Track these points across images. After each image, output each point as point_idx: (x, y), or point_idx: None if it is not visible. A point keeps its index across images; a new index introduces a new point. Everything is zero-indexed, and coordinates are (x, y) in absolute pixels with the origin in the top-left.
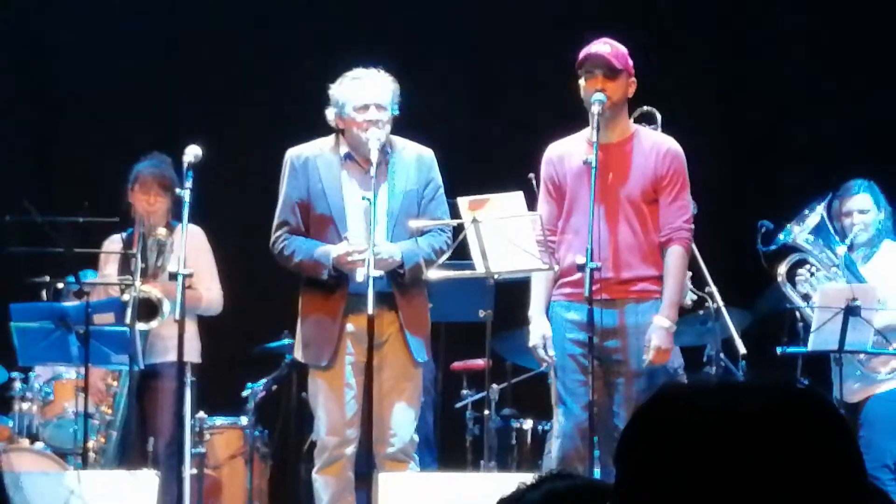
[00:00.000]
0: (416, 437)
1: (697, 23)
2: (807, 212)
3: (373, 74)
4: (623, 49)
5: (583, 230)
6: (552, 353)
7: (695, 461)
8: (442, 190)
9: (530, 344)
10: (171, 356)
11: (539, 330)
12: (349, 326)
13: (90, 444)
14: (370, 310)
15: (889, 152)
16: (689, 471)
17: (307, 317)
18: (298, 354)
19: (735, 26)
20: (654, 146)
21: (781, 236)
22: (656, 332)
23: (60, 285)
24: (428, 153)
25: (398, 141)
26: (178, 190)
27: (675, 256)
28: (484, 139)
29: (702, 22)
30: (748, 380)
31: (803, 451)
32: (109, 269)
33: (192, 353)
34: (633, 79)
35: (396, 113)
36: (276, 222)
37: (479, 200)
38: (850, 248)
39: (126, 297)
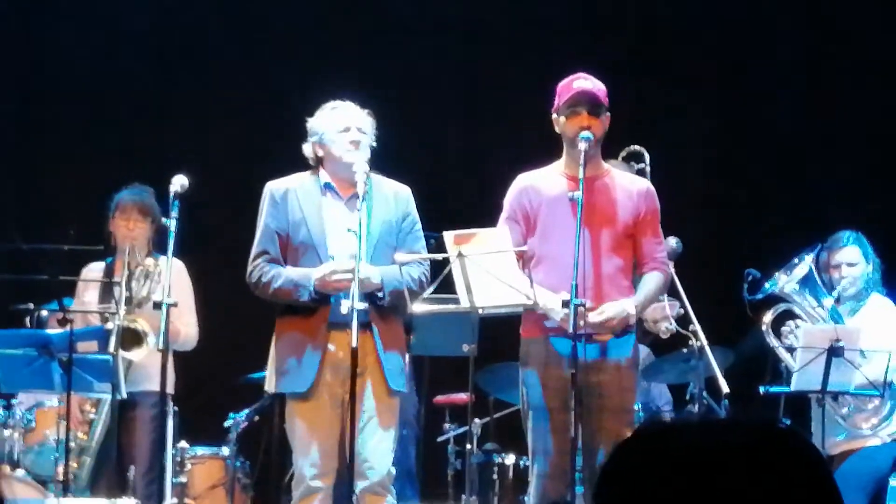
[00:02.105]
0: (394, 471)
1: (686, 61)
2: (795, 261)
3: (350, 104)
4: (601, 84)
5: (559, 260)
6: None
7: (674, 497)
8: (419, 226)
9: (550, 306)
10: (147, 385)
11: (551, 298)
12: (329, 357)
13: (62, 469)
14: (354, 342)
15: (878, 201)
16: None
17: (284, 345)
18: (271, 385)
19: (726, 66)
20: (633, 184)
21: (768, 285)
22: (616, 306)
23: (45, 313)
24: (405, 190)
25: (374, 176)
26: (163, 220)
27: (653, 277)
28: (470, 173)
29: (691, 60)
30: (728, 417)
31: (782, 490)
32: (88, 296)
33: (168, 384)
34: (608, 114)
35: (374, 145)
36: (254, 252)
37: (464, 235)
38: (838, 300)
39: (110, 325)
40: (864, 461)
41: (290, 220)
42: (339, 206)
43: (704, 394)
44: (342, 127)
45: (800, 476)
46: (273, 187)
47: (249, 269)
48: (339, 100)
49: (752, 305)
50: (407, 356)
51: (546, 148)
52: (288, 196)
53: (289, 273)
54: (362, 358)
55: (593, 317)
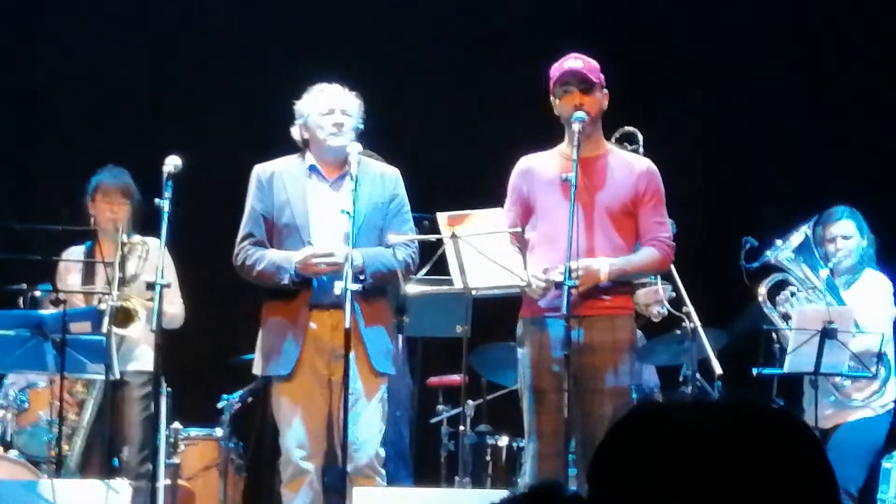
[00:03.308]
0: (382, 452)
1: (676, 39)
2: (792, 232)
3: (337, 87)
4: (594, 62)
5: (557, 241)
6: (552, 276)
7: (668, 479)
8: (407, 207)
9: (532, 282)
10: (137, 364)
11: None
12: (312, 339)
13: (53, 450)
14: (347, 323)
15: (873, 180)
16: (662, 488)
17: (269, 328)
18: (258, 369)
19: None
20: (632, 163)
21: (768, 253)
22: (586, 260)
23: (38, 293)
24: (392, 171)
25: (364, 158)
26: (156, 200)
27: (646, 250)
28: (464, 154)
29: (681, 38)
30: (722, 399)
31: (776, 470)
32: (72, 279)
33: (149, 363)
34: (606, 91)
35: (360, 127)
36: (240, 235)
37: (458, 216)
38: (833, 273)
39: (103, 305)
40: (858, 433)
41: (275, 203)
42: (324, 188)
43: (698, 376)
44: (326, 109)
45: (794, 457)
46: (259, 170)
47: (235, 251)
48: (327, 82)
49: (748, 274)
50: (400, 337)
51: (541, 128)
52: (273, 179)
53: (272, 256)
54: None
55: (554, 274)
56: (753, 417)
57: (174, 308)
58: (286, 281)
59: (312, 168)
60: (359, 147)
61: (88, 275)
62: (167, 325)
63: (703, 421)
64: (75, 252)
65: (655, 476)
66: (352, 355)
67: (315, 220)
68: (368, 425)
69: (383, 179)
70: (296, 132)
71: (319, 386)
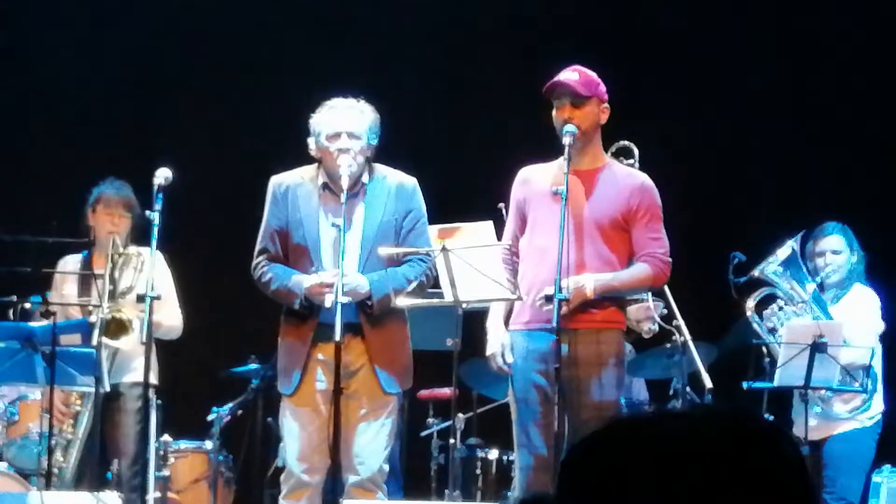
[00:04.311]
0: (386, 468)
1: (667, 52)
2: (779, 246)
3: (349, 103)
4: (592, 76)
5: (546, 253)
6: (510, 360)
7: (637, 487)
8: (424, 220)
9: (488, 352)
10: (132, 376)
11: (497, 338)
12: (319, 355)
13: (45, 462)
14: (337, 336)
15: (863, 195)
16: (630, 496)
17: (281, 347)
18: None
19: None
20: (628, 178)
21: (755, 272)
22: (573, 279)
23: (28, 305)
24: (410, 182)
25: (380, 169)
26: (146, 212)
27: (637, 266)
28: (456, 167)
29: (671, 52)
30: (694, 409)
31: (753, 478)
32: (67, 289)
33: (151, 375)
34: (606, 105)
35: (374, 142)
36: (256, 248)
37: (448, 229)
38: (821, 287)
39: (93, 318)
40: (851, 444)
41: (289, 220)
42: (333, 208)
43: (688, 389)
44: (332, 132)
45: (771, 464)
46: (275, 183)
47: (253, 265)
48: (340, 96)
49: (736, 288)
50: (410, 351)
51: (533, 140)
52: (288, 193)
53: (284, 278)
54: (355, 359)
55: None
56: (728, 424)
57: (172, 319)
58: (297, 306)
59: (325, 185)
60: (352, 170)
61: (85, 286)
62: (164, 335)
63: (673, 429)
64: (72, 262)
65: (624, 483)
66: (362, 373)
67: (326, 243)
68: (374, 440)
69: (398, 193)
70: (311, 144)
71: (325, 401)
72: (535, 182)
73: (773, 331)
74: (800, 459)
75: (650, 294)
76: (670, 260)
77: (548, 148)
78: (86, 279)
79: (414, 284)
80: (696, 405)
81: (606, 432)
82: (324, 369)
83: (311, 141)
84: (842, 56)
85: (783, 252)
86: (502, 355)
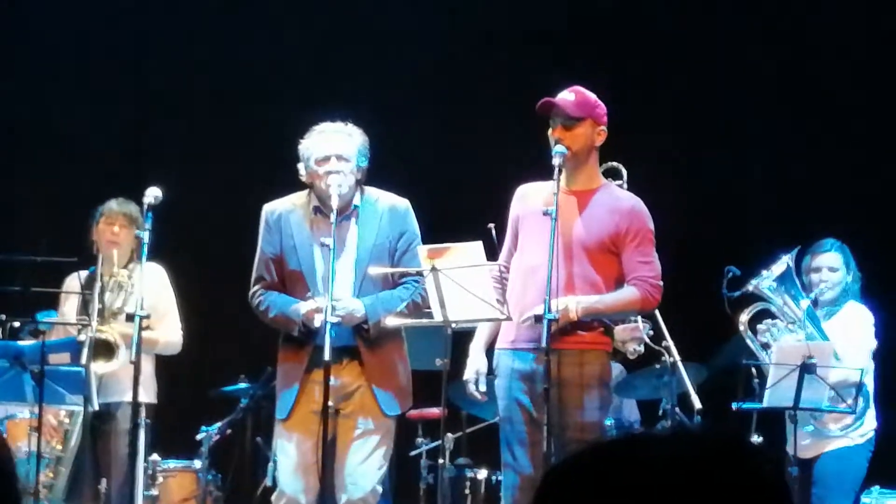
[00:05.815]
0: (380, 489)
1: (663, 73)
2: (774, 261)
3: (337, 127)
4: (590, 97)
5: (535, 273)
6: (483, 389)
7: None
8: (418, 241)
9: (464, 378)
10: (126, 396)
11: (474, 365)
12: (315, 377)
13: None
14: (326, 356)
15: (857, 213)
16: None
17: (279, 371)
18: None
19: (702, 77)
20: (618, 201)
21: (749, 287)
22: (562, 300)
23: (17, 324)
24: (403, 204)
25: (372, 192)
26: (136, 231)
27: (625, 289)
28: (446, 187)
29: (667, 72)
30: (676, 431)
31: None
32: (68, 307)
33: (149, 394)
34: (602, 128)
35: (364, 164)
36: (253, 276)
37: (438, 249)
38: (815, 303)
39: (82, 337)
40: (842, 462)
41: (282, 247)
42: (326, 232)
43: (677, 410)
44: (321, 156)
45: (752, 486)
46: (267, 211)
47: (250, 293)
48: (328, 121)
49: (730, 303)
50: (408, 371)
51: (526, 160)
52: (281, 221)
53: (281, 306)
54: (353, 380)
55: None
56: (704, 447)
57: (171, 335)
58: (295, 333)
59: (317, 209)
60: (342, 191)
61: (84, 304)
62: (163, 351)
63: (650, 453)
64: (75, 279)
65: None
66: (359, 395)
67: (320, 268)
68: (367, 460)
69: (391, 216)
70: (301, 170)
71: (317, 423)
72: (529, 200)
73: (766, 346)
74: (781, 482)
75: (638, 315)
76: (660, 284)
77: (542, 167)
78: (86, 298)
79: (409, 305)
80: (679, 427)
81: (585, 455)
82: (319, 391)
83: (300, 166)
84: (841, 71)
85: (778, 267)
86: (475, 382)
